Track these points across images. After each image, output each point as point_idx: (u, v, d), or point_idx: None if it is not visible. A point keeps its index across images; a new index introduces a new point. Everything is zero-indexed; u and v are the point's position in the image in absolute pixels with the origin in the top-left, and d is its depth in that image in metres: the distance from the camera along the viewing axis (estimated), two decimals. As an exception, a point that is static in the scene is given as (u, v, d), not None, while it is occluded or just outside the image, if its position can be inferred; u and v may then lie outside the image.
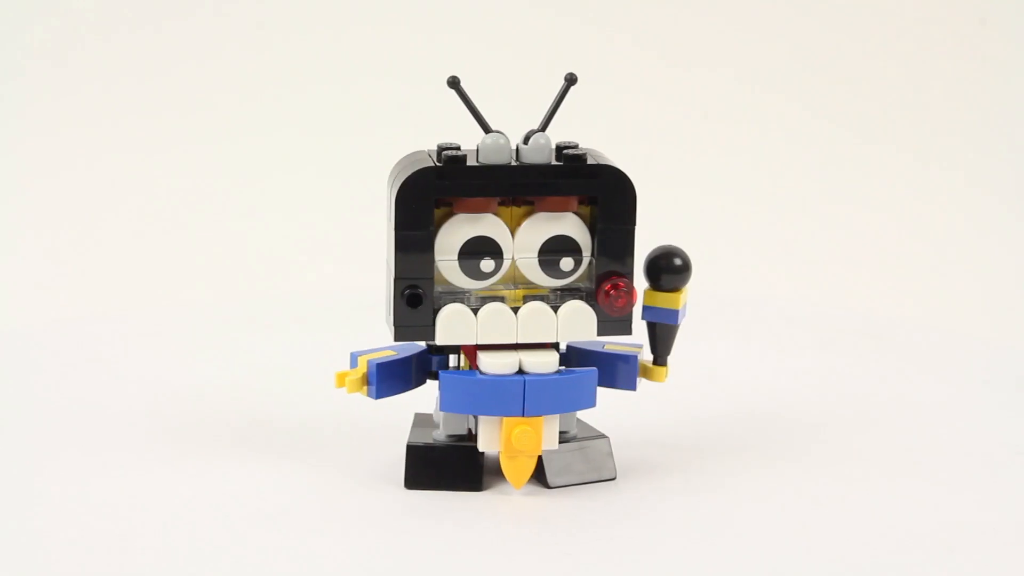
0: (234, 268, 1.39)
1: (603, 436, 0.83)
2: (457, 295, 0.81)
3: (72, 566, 0.74)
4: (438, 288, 0.80)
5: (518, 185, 0.80)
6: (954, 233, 1.43)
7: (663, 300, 0.82)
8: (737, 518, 0.79)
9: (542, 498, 0.81)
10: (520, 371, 0.80)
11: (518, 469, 0.81)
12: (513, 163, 0.80)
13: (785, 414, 0.93)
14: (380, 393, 0.83)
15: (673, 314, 0.82)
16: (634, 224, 0.80)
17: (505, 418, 0.80)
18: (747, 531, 0.77)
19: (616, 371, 0.83)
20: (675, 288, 0.82)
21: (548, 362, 0.80)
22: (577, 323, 0.80)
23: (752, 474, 0.84)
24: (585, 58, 1.50)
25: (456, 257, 0.80)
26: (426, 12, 1.53)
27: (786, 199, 1.48)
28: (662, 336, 0.83)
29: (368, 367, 0.82)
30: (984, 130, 1.50)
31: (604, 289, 0.80)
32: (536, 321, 0.80)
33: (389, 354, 0.83)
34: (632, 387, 0.83)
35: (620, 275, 0.80)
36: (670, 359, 0.84)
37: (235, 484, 0.82)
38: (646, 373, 0.83)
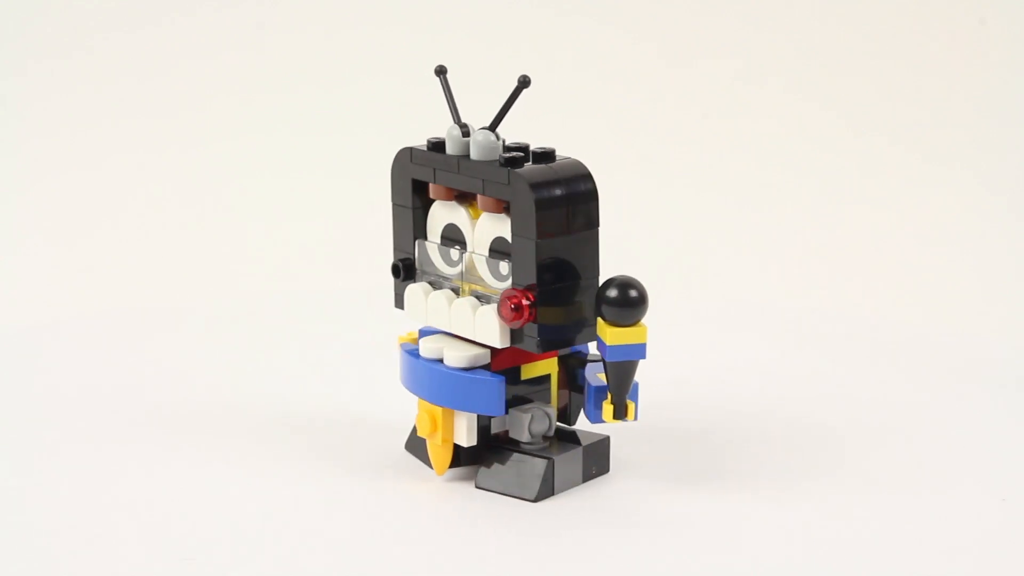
0: (239, 268, 1.39)
1: (546, 458, 0.80)
2: (439, 278, 0.82)
3: (74, 563, 0.74)
4: (432, 268, 0.82)
5: (453, 177, 0.80)
6: (955, 233, 1.43)
7: (600, 330, 0.78)
8: (732, 520, 0.79)
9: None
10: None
11: (435, 454, 0.82)
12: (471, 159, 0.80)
13: (783, 417, 0.93)
14: None
15: (604, 347, 0.78)
16: (533, 238, 0.77)
17: (419, 400, 0.81)
18: (740, 535, 0.77)
19: (584, 396, 0.81)
20: (613, 321, 0.77)
21: (458, 356, 0.80)
22: (483, 327, 0.79)
23: (748, 477, 0.84)
24: (584, 57, 1.50)
25: (438, 240, 0.82)
26: (428, 11, 1.53)
27: (785, 199, 1.48)
28: (608, 369, 0.78)
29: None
30: (984, 130, 1.50)
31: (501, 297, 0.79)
32: (459, 316, 0.80)
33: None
34: (589, 417, 0.81)
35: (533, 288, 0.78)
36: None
37: (236, 483, 0.83)
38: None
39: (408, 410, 0.85)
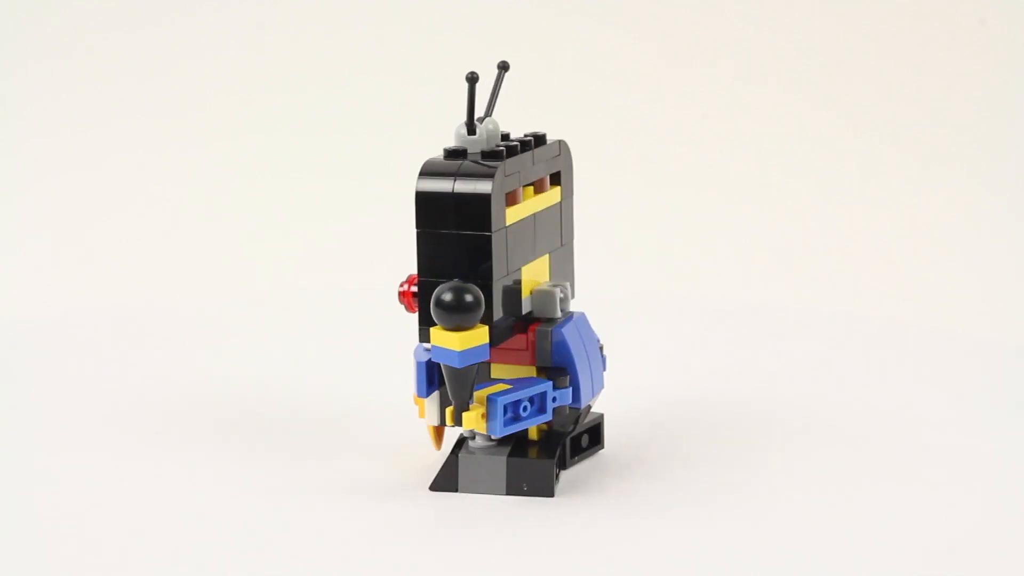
0: (239, 267, 1.39)
1: (455, 454, 0.80)
2: None
3: (74, 563, 0.74)
4: None
5: None
6: (955, 233, 1.43)
7: None
8: (724, 521, 0.79)
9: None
10: None
11: (429, 429, 0.82)
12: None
13: (780, 418, 0.93)
14: None
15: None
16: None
17: None
18: (731, 539, 0.77)
19: None
20: (435, 320, 0.76)
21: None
22: None
23: (741, 480, 0.84)
24: (584, 57, 1.50)
25: None
26: (428, 11, 1.54)
27: (785, 199, 1.48)
28: None
29: None
30: (984, 130, 1.50)
31: None
32: None
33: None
34: None
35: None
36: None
37: (235, 483, 0.83)
38: None
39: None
